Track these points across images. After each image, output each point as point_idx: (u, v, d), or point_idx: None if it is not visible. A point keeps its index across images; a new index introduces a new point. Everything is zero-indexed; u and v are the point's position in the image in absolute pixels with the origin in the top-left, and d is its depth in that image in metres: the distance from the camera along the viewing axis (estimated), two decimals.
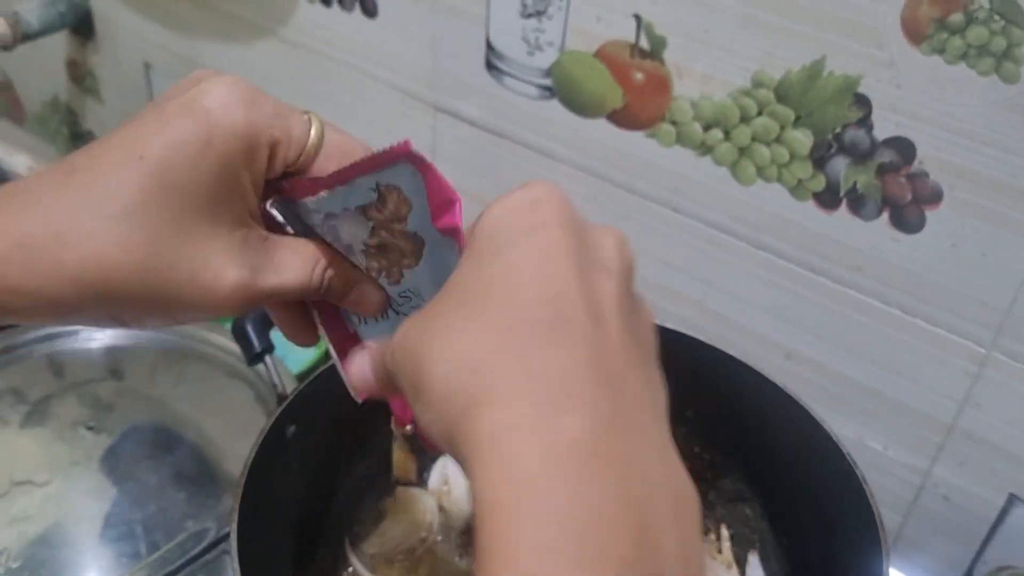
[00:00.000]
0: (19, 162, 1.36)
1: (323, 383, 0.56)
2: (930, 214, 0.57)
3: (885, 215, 0.58)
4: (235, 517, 0.46)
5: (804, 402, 0.57)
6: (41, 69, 1.20)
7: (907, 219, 0.58)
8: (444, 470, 0.62)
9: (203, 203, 0.34)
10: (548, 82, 0.70)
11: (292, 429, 0.54)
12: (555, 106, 0.70)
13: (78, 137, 1.24)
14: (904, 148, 0.56)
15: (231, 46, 0.92)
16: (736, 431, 0.61)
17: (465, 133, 0.78)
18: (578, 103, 0.69)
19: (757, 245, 0.65)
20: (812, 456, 0.55)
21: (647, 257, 0.71)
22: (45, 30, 1.04)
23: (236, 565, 0.44)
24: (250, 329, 0.56)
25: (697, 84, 0.62)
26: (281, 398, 0.54)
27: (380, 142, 0.34)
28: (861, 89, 0.56)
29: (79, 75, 1.15)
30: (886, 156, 0.57)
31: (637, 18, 0.63)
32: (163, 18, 0.97)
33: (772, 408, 0.58)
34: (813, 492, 0.55)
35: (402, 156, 0.33)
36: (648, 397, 0.28)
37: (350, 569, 0.57)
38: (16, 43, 1.02)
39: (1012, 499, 0.62)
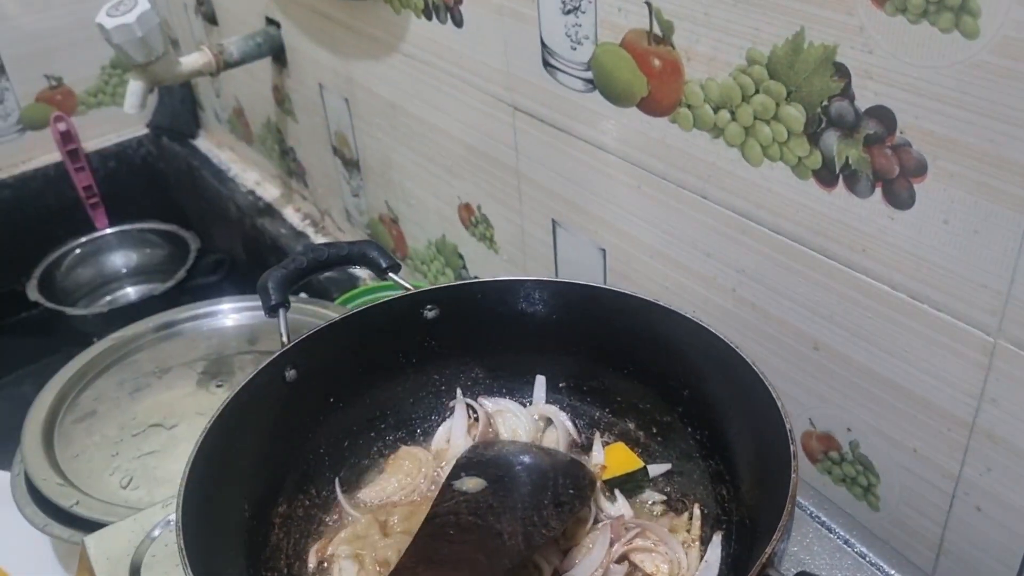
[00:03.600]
0: (249, 177, 1.58)
1: (322, 338, 0.63)
2: (918, 187, 0.53)
3: (879, 191, 0.55)
4: (207, 427, 0.54)
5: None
6: (258, 95, 1.40)
7: (898, 193, 0.54)
8: (448, 431, 0.67)
9: None
10: (589, 75, 0.73)
11: (292, 373, 0.61)
12: (597, 98, 0.73)
13: (284, 153, 1.42)
14: (885, 117, 0.53)
15: (370, 64, 1.03)
16: (723, 413, 0.59)
17: (537, 130, 0.82)
18: (613, 93, 0.71)
19: (775, 229, 0.63)
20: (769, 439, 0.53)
21: (686, 245, 0.71)
22: (244, 59, 1.23)
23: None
24: (270, 285, 0.64)
25: (704, 66, 0.62)
26: (284, 346, 0.61)
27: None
28: (839, 58, 0.54)
29: (280, 98, 1.33)
30: (870, 127, 0.54)
31: (648, 5, 0.64)
32: (329, 43, 1.11)
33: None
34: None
35: None
36: None
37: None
38: (219, 71, 1.21)
39: None
